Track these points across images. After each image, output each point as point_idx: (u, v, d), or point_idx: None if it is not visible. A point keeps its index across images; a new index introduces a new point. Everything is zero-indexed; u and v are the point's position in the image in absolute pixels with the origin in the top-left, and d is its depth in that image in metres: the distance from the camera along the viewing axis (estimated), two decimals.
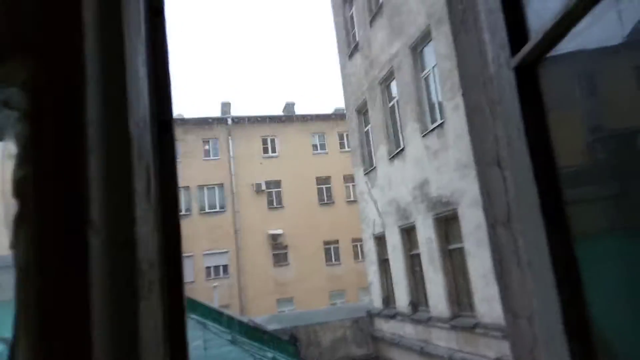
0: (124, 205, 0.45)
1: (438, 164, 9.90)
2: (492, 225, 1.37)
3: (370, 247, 14.20)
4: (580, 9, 0.74)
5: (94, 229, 0.41)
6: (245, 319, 10.43)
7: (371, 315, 13.82)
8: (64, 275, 0.40)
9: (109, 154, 0.45)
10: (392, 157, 12.18)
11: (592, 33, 0.82)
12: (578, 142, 1.00)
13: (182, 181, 22.50)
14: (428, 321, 10.54)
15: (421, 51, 10.90)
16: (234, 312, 15.46)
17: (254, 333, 8.80)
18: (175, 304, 0.56)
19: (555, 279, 1.00)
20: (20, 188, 0.42)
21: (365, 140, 14.43)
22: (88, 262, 0.40)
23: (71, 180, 0.41)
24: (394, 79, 12.09)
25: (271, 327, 10.89)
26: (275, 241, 23.37)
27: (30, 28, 0.44)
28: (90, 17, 0.46)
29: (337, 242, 23.99)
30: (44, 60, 0.43)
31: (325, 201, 24.47)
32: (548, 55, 0.91)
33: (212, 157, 23.94)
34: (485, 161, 1.40)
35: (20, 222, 0.41)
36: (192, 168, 22.94)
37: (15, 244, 0.41)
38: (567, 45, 0.87)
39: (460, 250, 9.36)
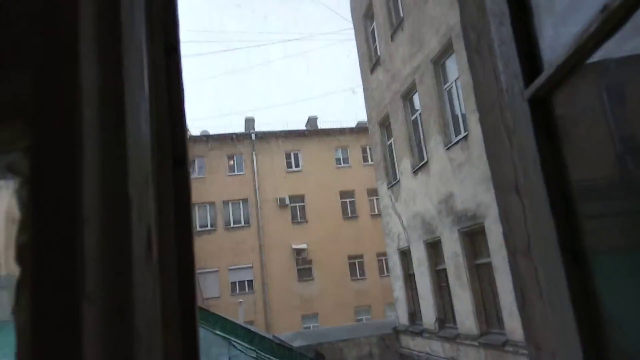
0: (120, 271, 0.46)
1: (463, 177, 9.76)
2: (513, 254, 1.34)
3: (395, 261, 14.04)
4: (591, 45, 0.72)
5: (88, 299, 0.42)
6: (269, 336, 10.40)
7: (397, 331, 13.61)
8: (59, 343, 0.41)
9: (106, 221, 0.46)
10: (416, 171, 12.07)
11: (607, 65, 0.81)
12: (596, 174, 0.97)
13: (207, 197, 22.80)
14: (456, 338, 10.30)
15: (443, 64, 10.84)
16: (258, 328, 15.46)
17: (278, 350, 8.77)
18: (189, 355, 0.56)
19: (575, 315, 0.97)
20: (22, 253, 0.42)
21: (388, 154, 14.37)
22: (82, 330, 0.41)
23: (67, 249, 0.42)
24: (416, 92, 12.05)
25: (296, 343, 10.84)
26: (299, 256, 23.36)
27: (31, 94, 0.45)
28: (89, 82, 0.47)
29: (361, 256, 23.80)
30: (44, 126, 0.44)
31: (349, 215, 24.37)
32: (562, 87, 0.89)
33: (236, 173, 24.22)
34: (504, 187, 1.38)
35: (21, 288, 0.42)
36: (216, 184, 23.25)
37: (16, 309, 0.42)
38: (582, 77, 0.85)
39: (488, 265, 9.15)
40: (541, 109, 0.93)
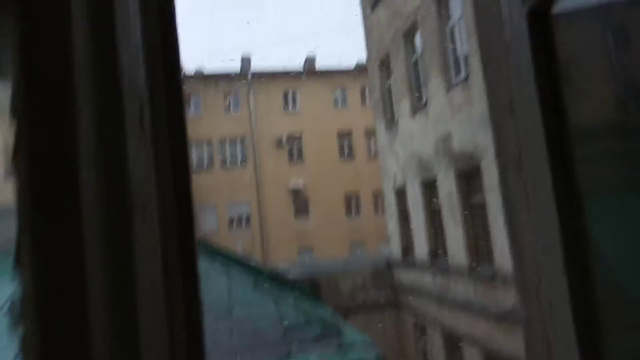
0: (114, 136, 0.49)
1: (462, 118, 9.75)
2: (503, 170, 1.41)
3: (390, 200, 14.30)
4: None
5: (85, 158, 0.45)
6: (267, 266, 10.77)
7: (390, 264, 14.11)
8: (58, 214, 0.43)
9: (99, 110, 0.49)
10: (415, 111, 12.02)
11: None
12: (592, 92, 1.00)
13: (203, 136, 22.71)
14: (447, 271, 10.73)
15: (446, 2, 10.49)
16: (256, 260, 15.95)
17: (275, 279, 9.04)
18: (187, 249, 0.60)
19: (559, 222, 1.03)
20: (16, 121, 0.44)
21: (387, 95, 14.21)
22: (80, 194, 0.44)
23: (61, 117, 0.45)
24: (418, 31, 11.74)
25: (292, 273, 11.24)
26: (296, 194, 23.70)
27: None
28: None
29: (358, 195, 24.17)
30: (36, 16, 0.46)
31: (346, 156, 24.46)
32: (562, 1, 0.92)
33: (233, 112, 23.99)
34: (499, 107, 1.42)
35: (16, 159, 0.45)
36: (213, 123, 23.09)
37: (13, 174, 0.45)
38: None
39: (482, 204, 9.36)
40: (539, 23, 0.97)
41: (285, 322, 6.46)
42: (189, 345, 0.59)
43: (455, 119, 10.01)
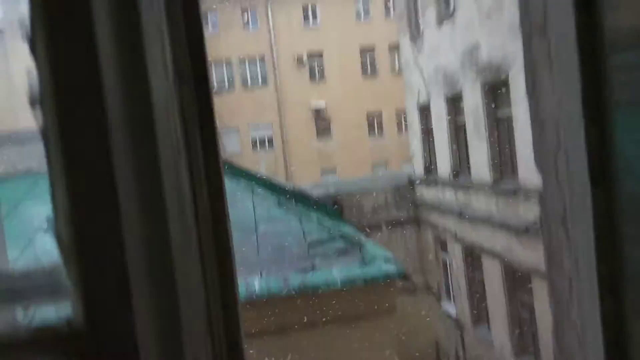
0: None
1: (491, 26, 9.18)
2: (528, 35, 1.29)
3: (414, 117, 14.04)
4: None
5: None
6: (290, 185, 10.95)
7: (412, 182, 14.16)
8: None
9: None
10: (441, 21, 11.37)
11: None
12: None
13: (223, 54, 22.26)
14: (469, 187, 10.70)
15: None
16: (279, 180, 16.22)
17: (298, 197, 9.21)
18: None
19: (581, 79, 0.96)
20: None
21: (412, 4, 13.43)
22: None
23: None
24: None
25: (315, 193, 11.41)
26: (318, 114, 23.47)
27: None
28: None
29: (380, 114, 23.79)
30: None
31: (369, 72, 23.74)
32: None
33: (251, 29, 23.22)
34: None
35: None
36: (231, 40, 22.48)
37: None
38: None
39: (508, 118, 9.07)
40: None
41: (309, 238, 6.63)
42: (219, 255, 0.61)
43: (484, 27, 9.44)
